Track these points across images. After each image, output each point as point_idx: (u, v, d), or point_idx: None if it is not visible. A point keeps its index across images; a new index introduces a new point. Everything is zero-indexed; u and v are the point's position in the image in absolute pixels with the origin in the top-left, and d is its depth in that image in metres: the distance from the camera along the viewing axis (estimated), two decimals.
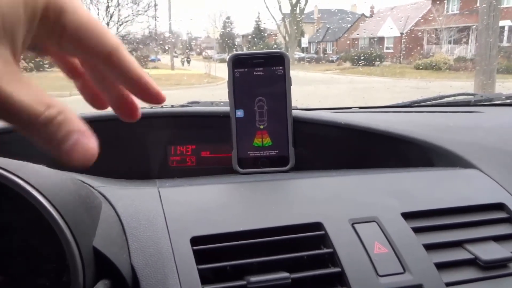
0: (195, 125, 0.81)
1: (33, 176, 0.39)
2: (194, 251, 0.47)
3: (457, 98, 1.23)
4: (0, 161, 0.41)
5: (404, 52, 16.46)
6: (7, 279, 0.47)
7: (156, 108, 0.86)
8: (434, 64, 11.69)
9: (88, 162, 0.28)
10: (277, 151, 0.74)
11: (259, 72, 0.73)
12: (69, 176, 0.49)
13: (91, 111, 0.92)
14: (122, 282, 0.43)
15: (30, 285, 0.47)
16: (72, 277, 0.38)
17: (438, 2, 16.69)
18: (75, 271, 0.38)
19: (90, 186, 0.56)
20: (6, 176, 0.37)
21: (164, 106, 1.06)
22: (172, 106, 1.06)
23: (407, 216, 0.54)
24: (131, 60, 0.32)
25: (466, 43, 15.40)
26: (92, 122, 0.77)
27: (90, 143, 0.28)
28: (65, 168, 0.57)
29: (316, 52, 22.49)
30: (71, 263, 0.38)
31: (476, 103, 1.18)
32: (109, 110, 0.87)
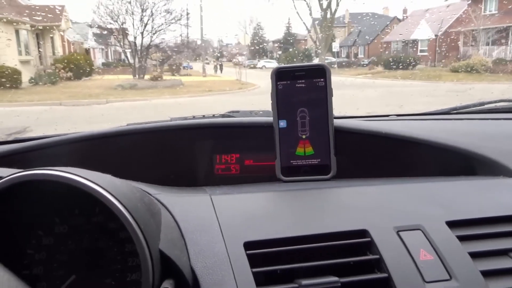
0: (239, 135, 0.84)
1: (109, 185, 0.43)
2: (248, 255, 0.50)
3: (498, 104, 1.21)
4: (78, 171, 0.46)
5: (439, 55, 16.02)
6: (78, 278, 0.52)
7: (201, 119, 0.90)
8: (471, 67, 11.33)
9: None
10: (319, 159, 0.77)
11: (301, 84, 0.76)
12: (132, 184, 0.54)
13: (139, 121, 0.98)
14: (183, 282, 0.47)
15: (98, 284, 0.52)
16: (143, 277, 0.42)
17: (474, 3, 16.17)
18: (146, 271, 0.42)
19: (148, 193, 0.60)
20: (88, 185, 0.42)
21: (206, 116, 1.11)
22: (214, 116, 1.10)
23: (452, 224, 0.55)
24: None
25: (506, 44, 14.82)
26: (143, 133, 0.83)
27: None
28: (118, 176, 0.62)
29: (347, 57, 22.25)
30: (142, 264, 0.42)
31: None
32: (158, 122, 0.92)
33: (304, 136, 0.77)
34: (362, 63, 18.48)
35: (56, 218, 0.54)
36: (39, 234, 0.54)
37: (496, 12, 15.86)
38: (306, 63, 0.78)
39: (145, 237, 0.41)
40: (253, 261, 0.50)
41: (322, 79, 0.76)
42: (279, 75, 0.77)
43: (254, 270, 0.48)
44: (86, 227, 0.53)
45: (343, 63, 18.42)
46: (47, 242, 0.54)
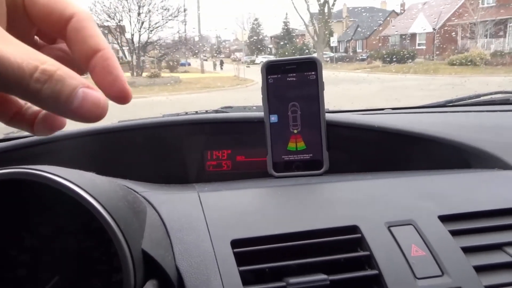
0: (230, 130, 0.83)
1: (88, 183, 0.42)
2: (235, 253, 0.49)
3: (494, 96, 1.19)
4: (56, 170, 0.44)
5: (437, 48, 16.00)
6: (63, 279, 0.51)
7: (192, 115, 0.89)
8: (469, 60, 11.32)
9: (101, 115, 0.26)
10: (311, 154, 0.75)
11: (292, 78, 0.75)
12: (116, 182, 0.53)
13: (129, 118, 0.97)
14: (168, 283, 0.45)
15: (83, 285, 0.51)
16: (124, 278, 0.41)
17: None
18: (127, 272, 0.40)
19: (135, 191, 0.59)
20: (65, 184, 0.41)
21: (198, 112, 1.09)
22: (206, 112, 1.09)
23: (444, 219, 0.54)
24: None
25: (504, 36, 14.80)
26: (133, 130, 0.82)
27: (98, 94, 0.26)
28: (109, 174, 0.61)
29: (346, 51, 22.20)
30: (123, 264, 0.40)
31: None
32: (148, 118, 0.91)
33: (295, 131, 0.76)
34: (360, 57, 18.43)
35: (40, 218, 0.53)
36: (22, 235, 0.53)
37: (494, 4, 15.81)
38: (297, 57, 0.76)
39: (125, 237, 0.40)
40: (241, 259, 0.48)
41: (313, 73, 0.75)
42: (269, 69, 0.76)
43: (241, 268, 0.47)
44: (71, 227, 0.52)
45: (342, 58, 18.37)
46: (31, 243, 0.53)
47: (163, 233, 0.51)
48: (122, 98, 0.29)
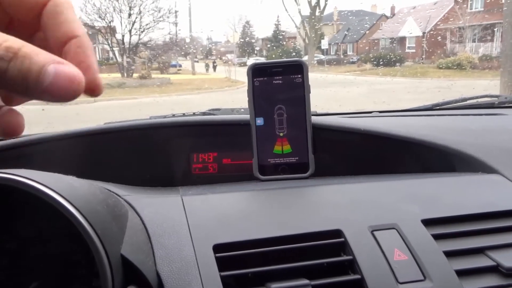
0: (216, 133, 0.82)
1: (64, 187, 0.41)
2: (217, 258, 0.48)
3: (480, 100, 1.21)
4: (32, 174, 0.43)
5: (426, 52, 16.17)
6: (43, 284, 0.50)
7: (178, 117, 0.88)
8: (457, 63, 11.46)
9: (77, 91, 0.23)
10: (297, 158, 0.75)
11: (278, 81, 0.75)
12: (97, 186, 0.52)
13: (115, 120, 0.96)
14: None
15: None
16: (101, 283, 0.40)
17: (461, 0, 16.35)
18: (105, 278, 0.39)
19: (117, 194, 0.58)
20: (39, 188, 0.40)
21: (186, 114, 1.08)
22: (194, 114, 1.08)
23: (428, 223, 0.54)
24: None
25: (491, 40, 15.00)
26: (119, 132, 0.81)
27: (71, 68, 0.23)
28: (91, 177, 0.60)
29: (336, 54, 22.32)
30: (100, 270, 0.40)
31: (500, 105, 1.16)
32: (135, 120, 0.89)
33: (281, 134, 0.75)
34: (351, 60, 18.54)
35: (20, 222, 0.52)
36: (1, 239, 0.51)
37: (482, 9, 16.04)
38: (283, 59, 0.76)
39: (102, 241, 0.39)
40: (223, 264, 0.48)
41: (299, 76, 0.75)
42: (255, 72, 0.75)
43: (223, 274, 0.47)
44: (51, 231, 0.51)
45: (332, 60, 18.46)
46: (10, 247, 0.51)
47: (145, 238, 0.50)
48: (91, 90, 0.26)
